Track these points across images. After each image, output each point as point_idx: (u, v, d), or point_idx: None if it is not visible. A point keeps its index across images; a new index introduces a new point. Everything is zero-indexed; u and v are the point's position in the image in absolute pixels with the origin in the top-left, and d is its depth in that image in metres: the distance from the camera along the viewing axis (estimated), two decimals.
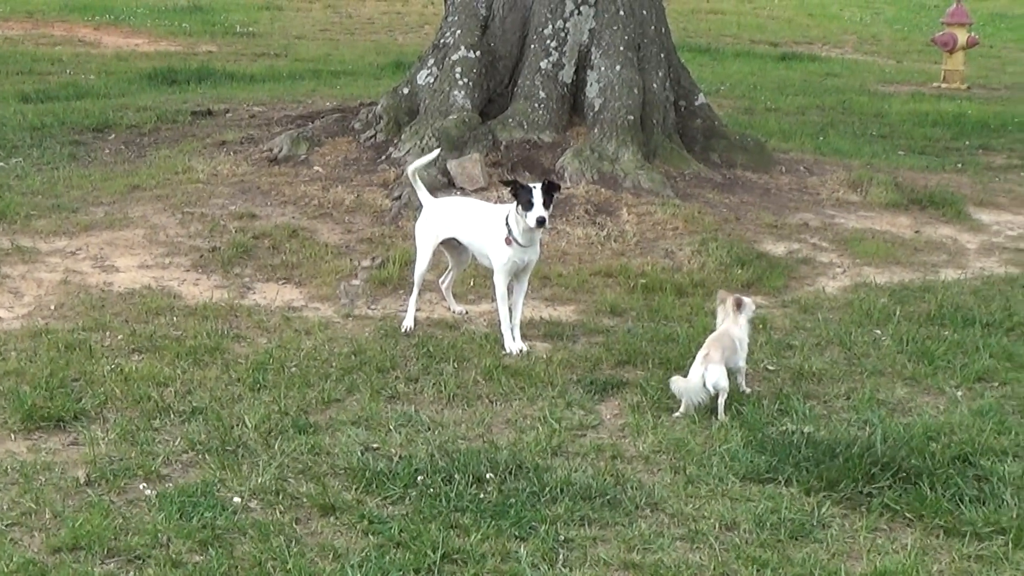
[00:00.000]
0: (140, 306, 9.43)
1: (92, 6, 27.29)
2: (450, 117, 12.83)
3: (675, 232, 11.45)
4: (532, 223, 8.69)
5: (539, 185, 8.81)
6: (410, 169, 9.63)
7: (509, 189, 8.99)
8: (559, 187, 9.42)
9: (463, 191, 11.89)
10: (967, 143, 17.36)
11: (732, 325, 8.22)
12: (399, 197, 11.78)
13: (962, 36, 22.38)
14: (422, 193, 9.46)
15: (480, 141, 12.69)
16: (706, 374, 7.80)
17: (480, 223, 9.15)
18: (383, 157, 12.88)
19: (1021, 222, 13.26)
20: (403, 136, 12.96)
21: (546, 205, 8.72)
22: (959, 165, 15.81)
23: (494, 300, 9.19)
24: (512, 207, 8.89)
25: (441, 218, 9.29)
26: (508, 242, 8.89)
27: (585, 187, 12.12)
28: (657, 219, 11.65)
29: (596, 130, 12.88)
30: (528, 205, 8.69)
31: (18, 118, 15.77)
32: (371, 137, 13.34)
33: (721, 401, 7.82)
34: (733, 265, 10.74)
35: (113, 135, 15.29)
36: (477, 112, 13.09)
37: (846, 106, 19.78)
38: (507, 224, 8.89)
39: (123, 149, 14.56)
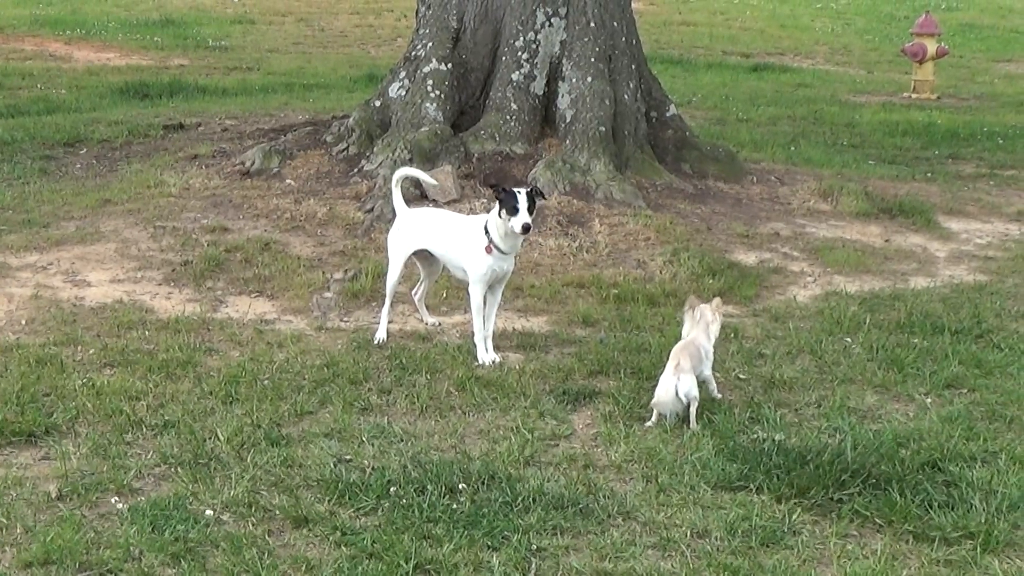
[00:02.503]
0: (112, 320, 9.42)
1: (63, 21, 27.26)
2: (422, 129, 12.86)
3: (647, 243, 11.48)
4: (517, 228, 8.63)
5: (524, 191, 8.76)
6: (397, 175, 9.57)
7: (494, 192, 8.96)
8: (543, 195, 9.40)
9: (435, 203, 11.91)
10: (937, 152, 17.45)
11: (700, 333, 8.23)
12: (371, 209, 11.80)
13: (932, 46, 22.49)
14: (398, 203, 9.43)
15: (452, 153, 12.72)
16: (679, 384, 7.80)
17: (456, 234, 9.10)
18: (355, 170, 12.90)
19: (990, 230, 13.34)
20: (375, 149, 12.97)
21: (530, 211, 8.67)
22: (929, 174, 15.89)
23: (467, 311, 9.20)
24: (493, 213, 8.87)
25: (414, 229, 9.27)
26: (488, 250, 8.85)
27: (557, 198, 12.15)
28: (629, 230, 11.69)
29: (568, 141, 12.93)
30: (513, 210, 8.63)
31: None
32: (343, 150, 13.36)
33: (692, 410, 7.82)
34: (705, 275, 10.77)
35: (84, 149, 15.30)
36: (449, 124, 13.12)
37: (817, 116, 19.86)
38: (486, 232, 8.85)
39: (94, 163, 14.56)
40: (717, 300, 8.52)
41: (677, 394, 7.78)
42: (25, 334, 9.14)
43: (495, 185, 9.15)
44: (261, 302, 9.98)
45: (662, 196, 12.87)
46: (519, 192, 8.72)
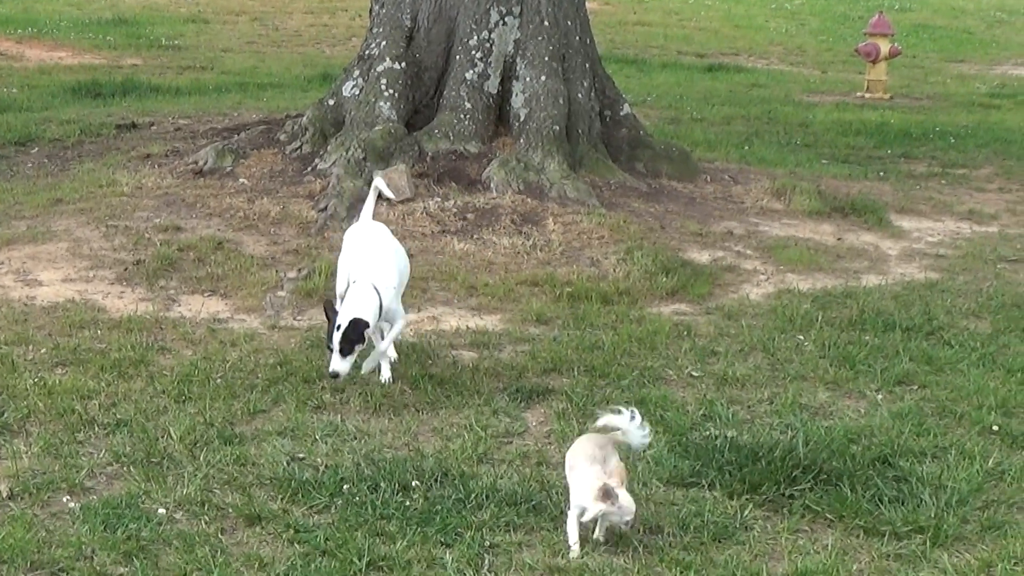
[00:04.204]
0: (64, 319, 9.38)
1: (14, 19, 27.07)
2: (376, 128, 12.86)
3: (600, 241, 11.52)
4: (327, 372, 8.09)
5: (346, 324, 7.90)
6: (379, 180, 9.34)
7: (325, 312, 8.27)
8: (368, 323, 7.99)
9: (389, 202, 11.91)
10: (889, 152, 17.55)
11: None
12: (325, 208, 11.79)
13: (885, 46, 22.59)
14: (368, 210, 9.10)
15: (406, 152, 12.73)
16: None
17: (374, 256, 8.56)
18: (309, 169, 12.88)
19: (941, 228, 13.44)
20: (329, 147, 12.96)
21: (345, 351, 7.91)
22: (881, 173, 15.97)
23: (420, 310, 9.22)
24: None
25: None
26: None
27: (511, 197, 12.18)
28: (583, 228, 11.72)
29: (522, 140, 12.96)
30: (327, 345, 8.08)
31: None
32: (297, 149, 13.34)
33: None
34: (658, 273, 10.80)
35: (36, 148, 15.22)
36: (403, 123, 13.12)
37: (771, 116, 19.93)
38: None
39: (46, 163, 14.49)
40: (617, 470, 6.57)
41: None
42: None
43: (328, 304, 8.28)
44: (214, 301, 9.96)
45: (616, 195, 12.91)
46: (338, 326, 7.92)
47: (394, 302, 8.32)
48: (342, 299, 8.34)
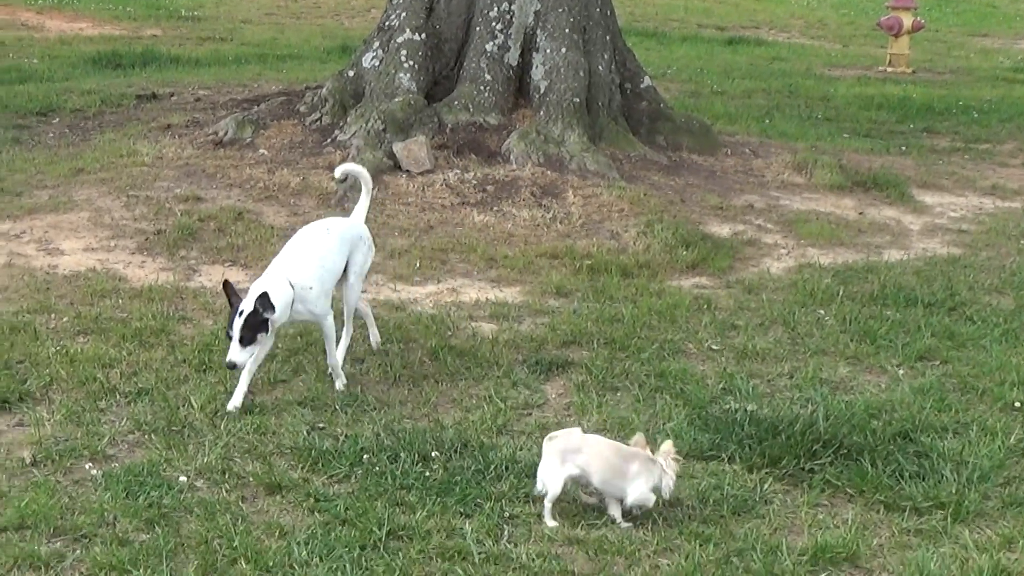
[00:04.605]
0: (85, 288, 9.40)
1: None
2: (395, 100, 12.85)
3: (621, 214, 11.50)
4: (225, 361, 7.40)
5: (248, 308, 7.27)
6: (350, 167, 8.93)
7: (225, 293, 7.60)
8: (273, 306, 7.30)
9: (408, 173, 11.92)
10: (911, 126, 17.50)
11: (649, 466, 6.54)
12: (344, 180, 11.76)
13: (907, 20, 22.52)
14: (361, 212, 8.51)
15: (426, 124, 12.72)
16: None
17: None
18: (328, 140, 12.88)
19: (964, 204, 13.40)
20: (349, 119, 12.96)
21: (245, 340, 7.25)
22: (903, 148, 15.93)
23: (440, 281, 9.22)
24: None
25: None
26: None
27: (531, 169, 12.17)
28: (603, 201, 11.71)
29: (542, 112, 12.94)
30: (228, 335, 7.39)
31: None
32: (316, 120, 13.34)
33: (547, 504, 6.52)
34: (678, 246, 10.79)
35: (57, 119, 15.23)
36: (423, 94, 13.12)
37: (792, 89, 19.88)
38: None
39: (67, 133, 14.50)
40: (668, 448, 6.60)
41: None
42: None
43: (228, 285, 7.54)
44: (234, 271, 9.96)
45: (636, 168, 12.90)
46: (240, 311, 7.29)
47: (315, 305, 7.70)
48: None
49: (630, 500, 6.44)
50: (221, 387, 7.73)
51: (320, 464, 6.85)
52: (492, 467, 6.86)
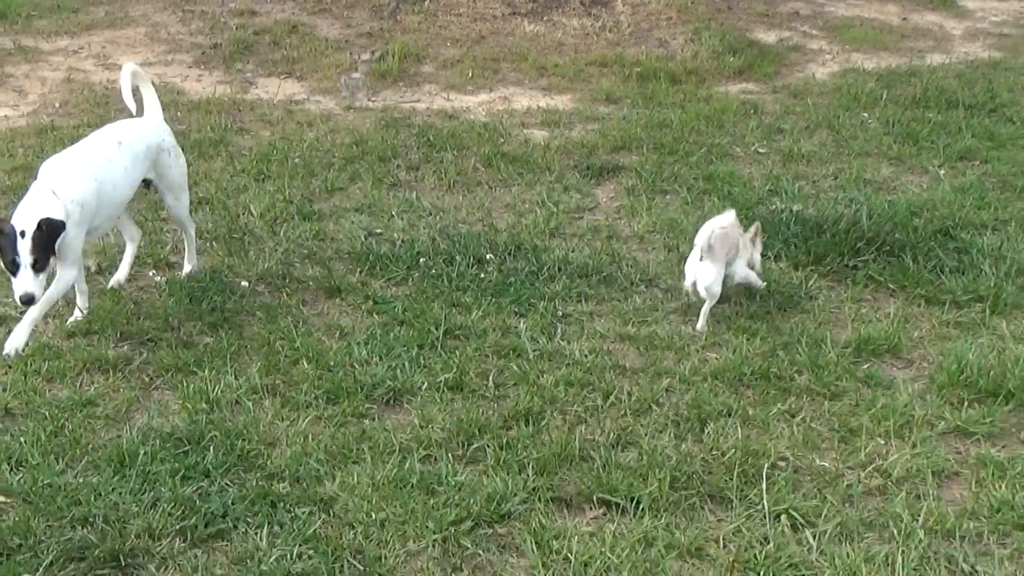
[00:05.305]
0: None
1: None
2: None
3: (669, 22, 11.31)
4: (15, 297, 5.78)
5: (32, 228, 5.69)
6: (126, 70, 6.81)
7: None
8: (64, 224, 5.79)
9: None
10: None
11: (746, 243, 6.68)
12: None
13: None
14: (126, 97, 6.79)
15: None
16: (698, 277, 6.45)
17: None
18: None
19: (1006, 8, 13.10)
20: None
21: (38, 265, 5.69)
22: None
23: (493, 90, 9.08)
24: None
25: None
26: None
27: None
28: (651, 9, 11.51)
29: None
30: (12, 267, 5.74)
31: None
32: None
33: (705, 308, 6.45)
34: (725, 53, 10.63)
35: None
36: None
37: None
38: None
39: None
40: (757, 225, 6.76)
41: (696, 287, 6.51)
42: (59, 116, 9.07)
43: None
44: (290, 83, 9.88)
45: None
46: (21, 232, 5.69)
47: (73, 236, 5.94)
48: None
49: (738, 277, 6.53)
50: (280, 196, 7.70)
51: (378, 268, 6.83)
52: (545, 268, 6.83)
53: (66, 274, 5.97)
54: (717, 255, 6.38)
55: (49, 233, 5.70)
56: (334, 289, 6.61)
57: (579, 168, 8.30)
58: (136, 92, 6.74)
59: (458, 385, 5.74)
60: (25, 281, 5.68)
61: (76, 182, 5.96)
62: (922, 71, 10.54)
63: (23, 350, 5.85)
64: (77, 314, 6.27)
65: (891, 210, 7.54)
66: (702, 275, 6.38)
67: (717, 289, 6.38)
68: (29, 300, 5.70)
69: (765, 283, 6.72)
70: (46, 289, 5.81)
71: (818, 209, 7.60)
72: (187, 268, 6.83)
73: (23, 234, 5.65)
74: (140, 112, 6.70)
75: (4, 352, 5.83)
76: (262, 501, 4.91)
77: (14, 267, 5.68)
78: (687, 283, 6.47)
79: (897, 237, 7.15)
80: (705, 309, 6.38)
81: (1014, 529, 4.91)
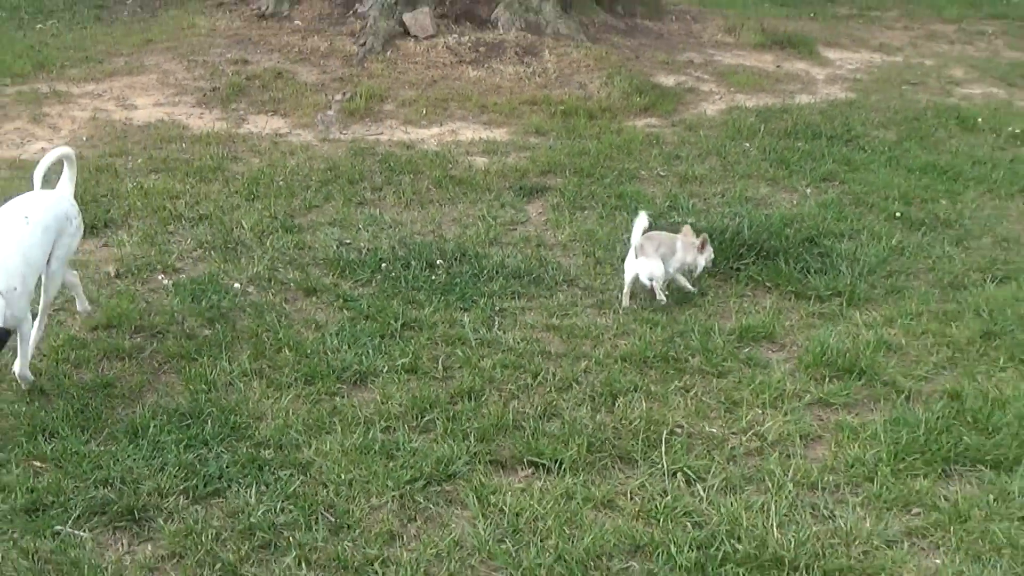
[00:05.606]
0: (155, 136, 9.22)
1: None
2: None
3: (587, 69, 11.27)
4: None
5: None
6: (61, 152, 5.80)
7: None
8: (7, 333, 5.00)
9: (416, 38, 11.65)
10: None
11: (688, 248, 6.63)
12: (364, 43, 11.53)
13: None
14: (39, 174, 5.71)
15: None
16: (639, 269, 6.43)
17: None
18: (350, 12, 12.54)
19: (858, 58, 13.15)
20: None
21: None
22: (812, 14, 15.62)
23: (443, 124, 9.02)
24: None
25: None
26: None
27: (515, 34, 11.89)
28: (573, 58, 11.47)
29: None
30: None
31: None
32: None
33: (656, 286, 6.45)
34: (633, 94, 10.60)
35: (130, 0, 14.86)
36: None
37: None
38: None
39: (139, 11, 14.15)
40: (704, 236, 6.70)
41: (639, 279, 6.46)
42: (86, 148, 8.95)
43: None
44: (276, 119, 9.78)
45: (599, 31, 12.61)
46: None
47: (17, 307, 5.07)
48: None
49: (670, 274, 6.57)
50: (266, 212, 7.62)
51: (347, 272, 6.77)
52: (485, 271, 6.79)
53: (24, 327, 5.13)
54: (648, 251, 6.38)
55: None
56: (311, 289, 6.55)
57: (513, 188, 8.26)
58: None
59: (413, 368, 5.71)
60: None
61: (7, 266, 5.03)
62: (792, 108, 10.56)
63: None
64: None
65: (767, 222, 7.54)
66: (641, 269, 6.40)
67: (659, 273, 6.40)
68: None
69: (696, 289, 6.64)
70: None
71: (708, 221, 7.59)
72: (84, 307, 6.00)
73: None
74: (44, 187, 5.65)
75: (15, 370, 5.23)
76: (251, 465, 4.89)
77: None
78: (628, 278, 6.46)
79: (772, 244, 7.15)
80: (657, 289, 6.42)
81: (864, 481, 4.94)
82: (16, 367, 5.30)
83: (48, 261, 5.43)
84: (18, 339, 5.17)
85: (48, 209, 5.45)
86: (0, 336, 4.76)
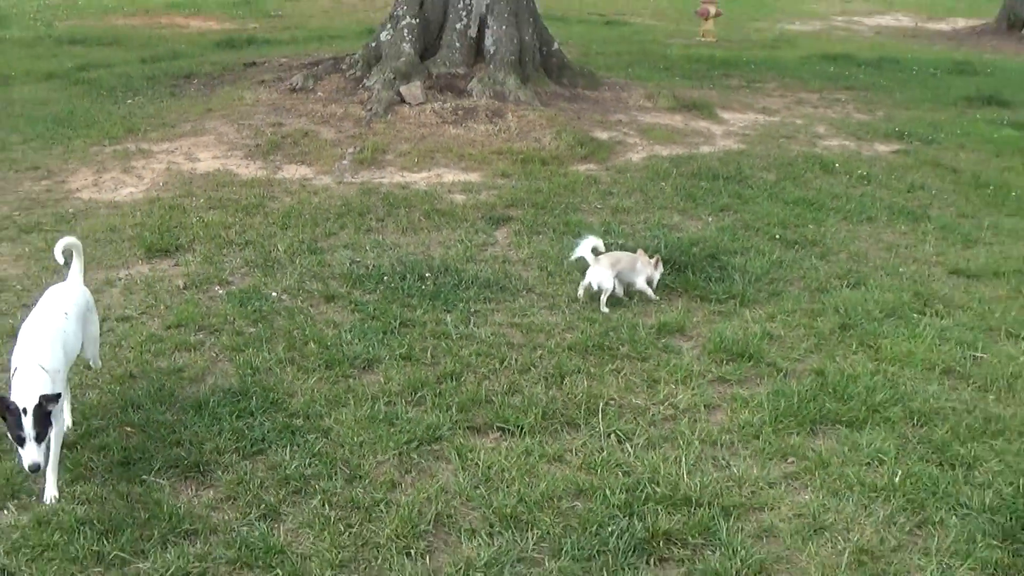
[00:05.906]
0: (213, 181, 9.10)
1: (183, 3, 26.09)
2: (401, 59, 12.41)
3: (541, 127, 11.22)
4: (25, 466, 4.20)
5: (32, 405, 4.18)
6: (70, 240, 5.05)
7: None
8: (55, 398, 4.26)
9: (409, 105, 11.58)
10: (716, 72, 17.09)
11: (647, 265, 6.56)
12: (370, 109, 11.45)
13: (712, 10, 22.04)
14: (76, 272, 5.06)
15: (420, 74, 12.30)
16: (591, 275, 6.39)
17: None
18: (360, 86, 12.42)
19: (747, 119, 13.15)
20: (372, 72, 12.52)
21: (40, 437, 4.17)
22: (711, 85, 15.59)
23: (431, 169, 8.98)
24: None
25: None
26: None
27: (485, 101, 11.81)
28: (530, 119, 11.41)
29: (491, 66, 12.53)
30: (19, 440, 4.20)
31: (139, 72, 15.05)
32: (353, 74, 12.87)
33: (603, 298, 6.39)
34: (576, 146, 10.56)
35: (195, 80, 14.65)
36: (418, 56, 12.65)
37: (645, 51, 19.39)
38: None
39: (202, 88, 13.95)
40: (658, 256, 6.63)
41: (590, 285, 6.39)
42: (162, 192, 8.84)
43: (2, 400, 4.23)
44: (303, 168, 9.69)
45: (550, 99, 12.56)
46: (23, 410, 4.18)
47: (59, 386, 4.46)
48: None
49: (638, 286, 6.48)
50: (296, 238, 7.54)
51: (357, 283, 6.72)
52: (463, 282, 6.75)
53: (58, 424, 4.40)
54: (603, 264, 6.32)
55: (46, 411, 4.22)
56: (330, 297, 6.50)
57: (485, 218, 8.20)
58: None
59: (408, 356, 5.66)
60: (31, 452, 4.16)
61: (51, 352, 4.47)
62: (697, 156, 10.55)
63: (58, 492, 4.39)
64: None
65: (679, 243, 7.53)
66: (593, 277, 6.34)
67: (608, 284, 6.32)
68: (36, 468, 4.17)
69: (657, 297, 6.57)
70: (48, 452, 4.28)
71: (634, 242, 7.56)
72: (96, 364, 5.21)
73: (25, 411, 4.16)
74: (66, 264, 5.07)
75: (46, 500, 4.36)
76: (286, 431, 4.85)
77: (20, 441, 4.18)
78: (584, 283, 6.41)
79: (683, 259, 7.14)
80: (603, 298, 6.36)
81: (752, 438, 4.92)
82: (48, 488, 4.40)
83: (83, 350, 4.87)
84: (53, 437, 4.35)
85: (76, 302, 4.82)
86: (52, 398, 4.23)
